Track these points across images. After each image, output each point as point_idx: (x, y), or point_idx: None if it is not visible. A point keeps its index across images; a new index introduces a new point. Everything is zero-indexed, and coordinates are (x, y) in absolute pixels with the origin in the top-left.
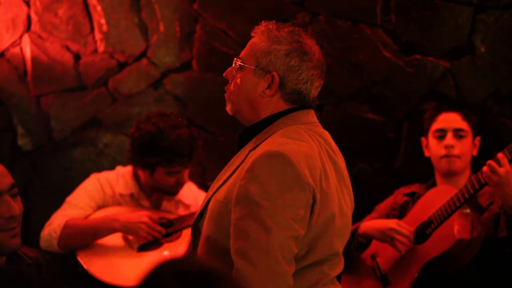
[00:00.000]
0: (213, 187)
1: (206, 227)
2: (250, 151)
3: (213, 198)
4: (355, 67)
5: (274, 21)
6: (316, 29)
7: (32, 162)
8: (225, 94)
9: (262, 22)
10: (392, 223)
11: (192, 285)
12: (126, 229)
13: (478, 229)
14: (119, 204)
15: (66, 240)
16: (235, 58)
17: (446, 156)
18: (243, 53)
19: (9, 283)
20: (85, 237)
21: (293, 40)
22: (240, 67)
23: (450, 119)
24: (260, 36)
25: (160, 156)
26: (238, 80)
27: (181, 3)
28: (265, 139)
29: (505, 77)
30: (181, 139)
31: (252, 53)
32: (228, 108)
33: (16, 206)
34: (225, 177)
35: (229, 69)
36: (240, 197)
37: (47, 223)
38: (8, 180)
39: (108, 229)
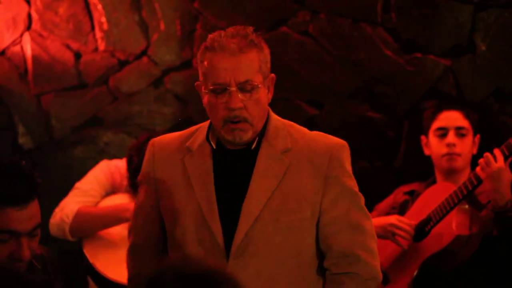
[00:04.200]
0: (253, 199)
1: (274, 239)
2: (282, 152)
3: (268, 210)
4: (355, 65)
5: (242, 28)
6: (317, 28)
7: (32, 161)
8: (241, 125)
9: (235, 38)
10: (392, 218)
11: (194, 286)
12: None
13: (477, 225)
14: (127, 191)
15: (77, 226)
16: (248, 81)
17: (448, 154)
18: (246, 75)
19: None
20: (96, 225)
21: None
22: (253, 88)
23: (451, 117)
24: (252, 49)
25: None
26: (257, 101)
27: (181, 1)
28: (285, 136)
29: (506, 75)
30: None
31: (256, 70)
32: (247, 137)
33: (28, 252)
34: (270, 186)
35: (237, 99)
36: (341, 193)
37: (57, 209)
38: (33, 222)
39: (119, 219)
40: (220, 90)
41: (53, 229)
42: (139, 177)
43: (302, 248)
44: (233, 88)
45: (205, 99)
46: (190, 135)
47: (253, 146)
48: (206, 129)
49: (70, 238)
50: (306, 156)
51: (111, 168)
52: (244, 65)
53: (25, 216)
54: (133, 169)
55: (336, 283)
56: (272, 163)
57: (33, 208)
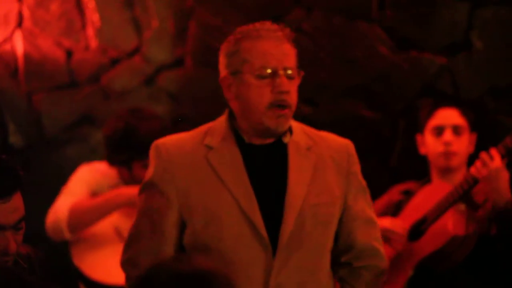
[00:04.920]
0: (294, 193)
1: (316, 233)
2: (306, 149)
3: (307, 204)
4: (350, 63)
5: (271, 23)
6: (312, 25)
7: (23, 160)
8: (286, 112)
9: (276, 28)
10: (386, 222)
11: (186, 286)
12: (133, 202)
13: (473, 226)
14: (115, 187)
15: (75, 220)
16: (294, 68)
17: (445, 152)
18: (292, 62)
19: None
20: (93, 215)
21: None
22: (295, 76)
23: (448, 115)
24: (291, 42)
25: (133, 150)
26: (296, 90)
27: None
28: (302, 133)
29: (502, 73)
30: (151, 130)
31: (295, 60)
32: (286, 127)
33: (14, 244)
34: (306, 181)
35: (286, 82)
36: (358, 188)
37: (51, 211)
38: (17, 215)
39: (115, 204)
40: (270, 74)
41: (50, 230)
42: (145, 181)
43: (329, 241)
44: (282, 72)
45: (240, 88)
46: (203, 134)
47: (287, 139)
48: (223, 127)
49: (68, 236)
50: (327, 153)
51: (91, 170)
52: (289, 53)
53: (9, 209)
54: (108, 143)
55: (356, 275)
56: (301, 158)
57: (17, 201)
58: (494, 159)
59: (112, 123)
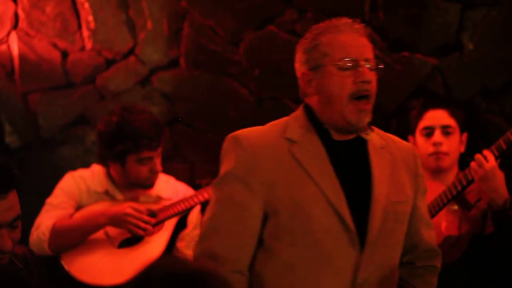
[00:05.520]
0: (378, 190)
1: (396, 230)
2: (381, 148)
3: (390, 202)
4: None
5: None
6: (304, 27)
7: (19, 160)
8: (368, 107)
9: (354, 22)
10: None
11: (183, 286)
12: (114, 222)
13: (466, 226)
14: (95, 201)
15: (56, 241)
16: (374, 60)
17: (435, 153)
18: (371, 54)
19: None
20: (74, 236)
21: None
22: (376, 68)
23: (437, 116)
24: (366, 35)
25: (128, 142)
26: (376, 84)
27: (169, 0)
28: (375, 133)
29: (493, 74)
30: (145, 123)
31: (373, 52)
32: (366, 122)
33: (9, 242)
34: (386, 178)
35: (369, 72)
36: (423, 191)
37: (34, 228)
38: (13, 213)
39: (96, 225)
40: (351, 65)
41: (33, 248)
42: (224, 172)
43: (402, 239)
44: (363, 62)
45: (322, 81)
46: (282, 127)
47: (368, 136)
48: (302, 121)
49: (51, 254)
50: (398, 154)
51: (76, 178)
52: (368, 45)
53: (5, 206)
54: (102, 139)
55: (417, 275)
56: (379, 156)
57: (12, 199)
58: (488, 160)
59: (105, 118)
